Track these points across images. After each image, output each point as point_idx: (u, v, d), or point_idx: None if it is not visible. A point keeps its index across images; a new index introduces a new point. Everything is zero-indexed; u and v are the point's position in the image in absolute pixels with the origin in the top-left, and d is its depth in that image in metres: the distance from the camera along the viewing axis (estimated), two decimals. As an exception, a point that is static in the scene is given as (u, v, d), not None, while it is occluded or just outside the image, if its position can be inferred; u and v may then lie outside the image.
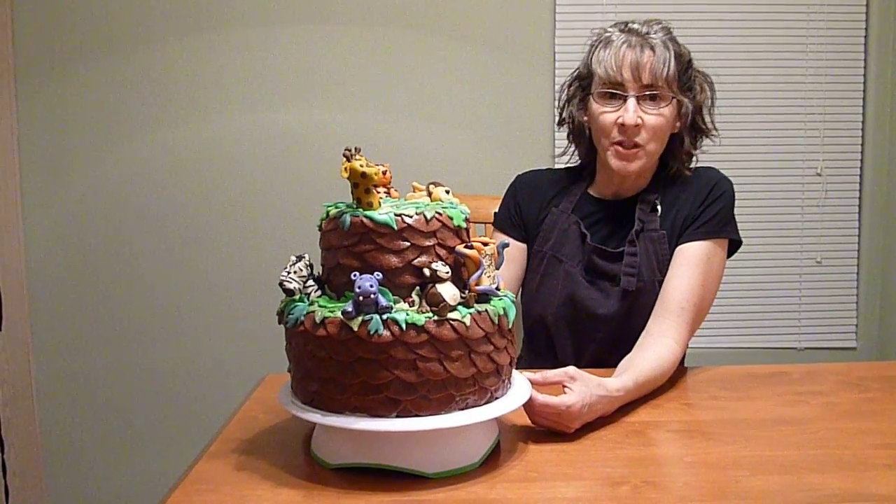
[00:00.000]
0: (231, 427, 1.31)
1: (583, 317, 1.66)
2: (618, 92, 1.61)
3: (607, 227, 1.70)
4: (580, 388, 1.24)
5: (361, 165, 1.09)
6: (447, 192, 1.18)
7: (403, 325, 1.04)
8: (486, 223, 2.03)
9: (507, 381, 1.17)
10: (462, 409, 1.09)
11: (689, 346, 1.61)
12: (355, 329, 1.04)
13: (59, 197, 2.63)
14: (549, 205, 1.76)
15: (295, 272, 1.12)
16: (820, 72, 2.68)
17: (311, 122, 2.62)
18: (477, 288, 1.10)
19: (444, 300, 1.06)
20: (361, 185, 1.10)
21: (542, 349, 1.71)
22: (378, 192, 1.15)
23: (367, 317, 1.04)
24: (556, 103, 1.80)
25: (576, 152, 1.78)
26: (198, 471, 1.14)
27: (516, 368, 1.23)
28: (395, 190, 1.24)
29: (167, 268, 2.65)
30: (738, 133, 2.67)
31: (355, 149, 1.16)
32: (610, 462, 1.17)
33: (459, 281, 1.11)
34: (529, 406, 1.22)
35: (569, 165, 1.84)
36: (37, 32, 2.56)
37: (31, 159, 2.60)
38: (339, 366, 1.07)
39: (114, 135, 2.61)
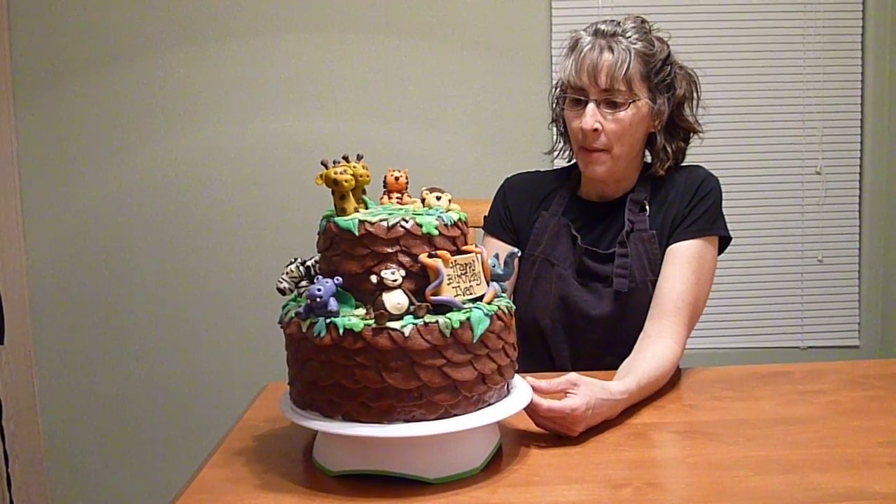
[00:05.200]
0: (232, 436, 1.31)
1: (577, 319, 1.66)
2: (580, 97, 1.62)
3: (597, 229, 1.70)
4: (584, 391, 1.24)
5: (336, 173, 1.12)
6: (437, 198, 1.17)
7: (341, 330, 1.04)
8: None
9: (497, 388, 1.13)
10: (407, 420, 1.06)
11: (691, 346, 1.61)
12: (304, 331, 1.08)
13: (60, 208, 2.63)
14: (539, 208, 1.76)
15: (287, 273, 1.16)
16: (818, 70, 2.68)
17: (310, 129, 2.62)
18: (433, 298, 1.07)
19: (384, 308, 1.05)
20: (336, 192, 1.13)
21: (537, 353, 1.71)
22: (392, 198, 1.19)
23: (315, 319, 1.07)
24: (550, 104, 1.80)
25: (565, 152, 1.79)
26: (200, 480, 1.14)
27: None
28: (409, 195, 1.24)
29: (168, 277, 2.66)
30: (737, 133, 2.67)
31: (357, 156, 1.19)
32: (612, 464, 1.16)
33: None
34: (534, 410, 1.21)
35: (556, 168, 1.84)
36: (35, 44, 2.57)
37: (30, 171, 2.61)
38: (302, 366, 1.11)
39: (113, 145, 2.62)
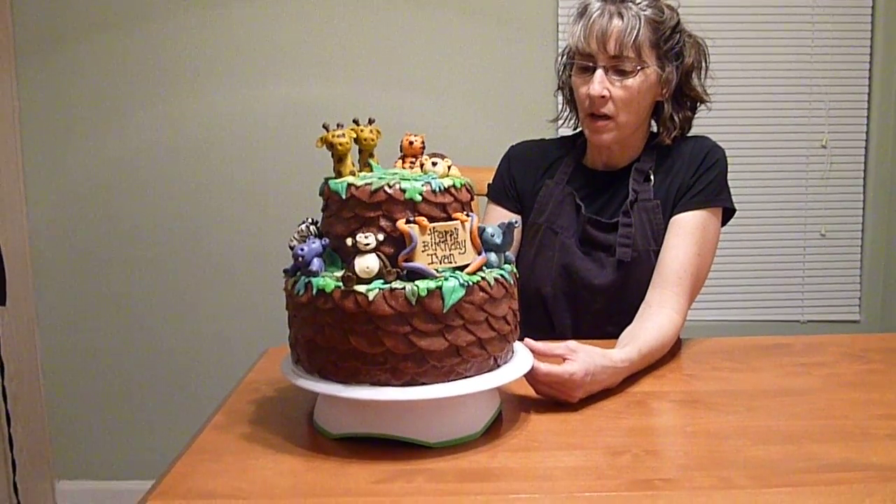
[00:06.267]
0: (234, 398, 1.32)
1: (579, 288, 1.66)
2: (588, 64, 1.60)
3: (602, 198, 1.70)
4: (582, 357, 1.25)
5: (333, 136, 1.13)
6: (434, 163, 1.16)
7: (315, 290, 1.07)
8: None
9: (477, 360, 1.10)
10: (372, 383, 1.06)
11: (692, 318, 1.61)
12: (288, 288, 1.13)
13: (62, 173, 2.63)
14: (544, 176, 1.75)
15: (297, 232, 1.17)
16: (826, 43, 2.65)
17: (314, 95, 2.61)
18: (404, 264, 1.06)
19: (353, 272, 1.05)
20: (334, 155, 1.15)
21: (539, 321, 1.71)
22: (406, 163, 1.20)
23: (298, 277, 1.11)
24: (557, 71, 1.79)
25: (571, 119, 1.78)
26: (201, 441, 1.15)
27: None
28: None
29: (170, 242, 2.66)
30: (742, 105, 2.66)
31: (368, 120, 1.20)
32: (611, 432, 1.17)
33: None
34: (532, 375, 1.21)
35: (562, 136, 1.83)
36: (36, 10, 2.55)
37: (32, 134, 2.60)
38: (290, 322, 1.16)
39: (116, 111, 2.61)
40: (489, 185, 1.83)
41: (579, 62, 1.63)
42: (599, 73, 1.58)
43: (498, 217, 1.73)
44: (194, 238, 2.66)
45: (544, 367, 1.22)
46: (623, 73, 1.58)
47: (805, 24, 2.64)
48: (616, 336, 1.47)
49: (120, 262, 2.66)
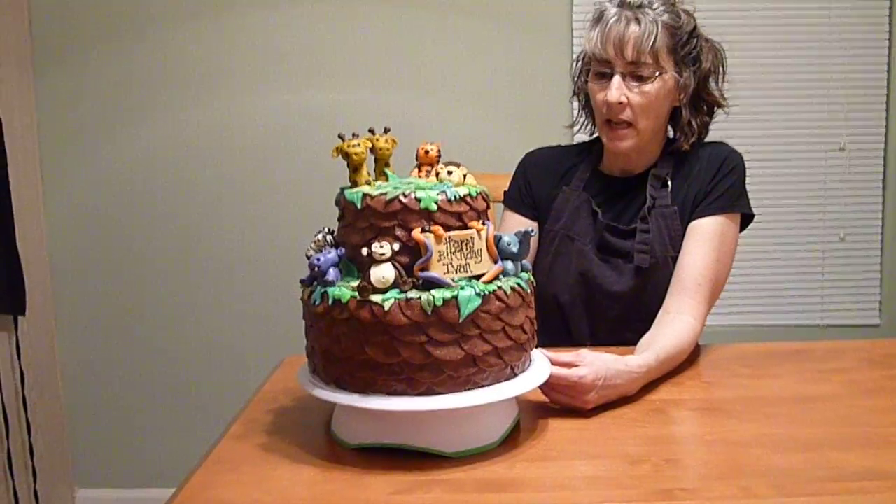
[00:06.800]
0: (251, 408, 1.32)
1: (596, 295, 1.65)
2: (606, 70, 1.60)
3: (619, 204, 1.69)
4: (592, 360, 1.24)
5: (348, 146, 1.14)
6: (449, 172, 1.16)
7: (331, 300, 1.07)
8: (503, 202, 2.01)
9: (494, 371, 1.09)
10: (388, 393, 1.06)
11: (709, 323, 1.60)
12: (305, 298, 1.14)
13: (80, 182, 2.64)
14: (560, 183, 1.75)
15: (315, 242, 1.18)
16: (843, 44, 2.63)
17: (328, 100, 2.61)
18: (420, 274, 1.06)
19: (368, 281, 1.05)
20: (350, 165, 1.15)
21: (556, 328, 1.70)
22: (422, 172, 1.19)
23: (314, 287, 1.11)
24: (572, 76, 1.78)
25: (587, 124, 1.77)
26: (219, 451, 1.15)
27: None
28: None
29: (188, 249, 2.67)
30: (759, 107, 2.64)
31: (384, 129, 1.20)
32: (630, 440, 1.16)
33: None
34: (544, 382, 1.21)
35: (578, 142, 1.83)
36: (53, 15, 2.57)
37: (50, 142, 2.62)
38: (307, 332, 1.16)
39: (132, 115, 2.62)
40: (505, 192, 1.82)
41: (596, 69, 1.62)
42: (617, 79, 1.58)
43: (514, 224, 1.72)
44: (213, 244, 2.67)
45: (554, 370, 1.21)
46: (641, 79, 1.58)
47: (822, 25, 2.62)
48: (634, 343, 1.46)
49: (138, 270, 2.67)
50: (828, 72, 2.65)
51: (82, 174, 2.64)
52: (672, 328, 1.46)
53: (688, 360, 1.48)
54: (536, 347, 1.24)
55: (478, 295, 1.06)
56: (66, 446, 2.71)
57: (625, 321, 1.63)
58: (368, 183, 1.16)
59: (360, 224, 1.11)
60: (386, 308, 1.03)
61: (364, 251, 1.06)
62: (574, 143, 1.85)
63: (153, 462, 2.74)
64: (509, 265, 1.14)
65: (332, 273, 1.10)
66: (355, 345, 1.06)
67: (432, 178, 1.19)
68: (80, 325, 2.69)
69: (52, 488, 2.60)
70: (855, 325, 2.75)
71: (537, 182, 1.76)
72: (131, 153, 2.63)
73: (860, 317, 2.76)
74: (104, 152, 2.63)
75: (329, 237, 1.19)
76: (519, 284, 1.13)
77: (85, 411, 2.72)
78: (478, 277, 1.10)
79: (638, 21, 1.55)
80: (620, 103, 1.58)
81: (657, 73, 1.57)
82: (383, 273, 1.05)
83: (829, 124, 2.67)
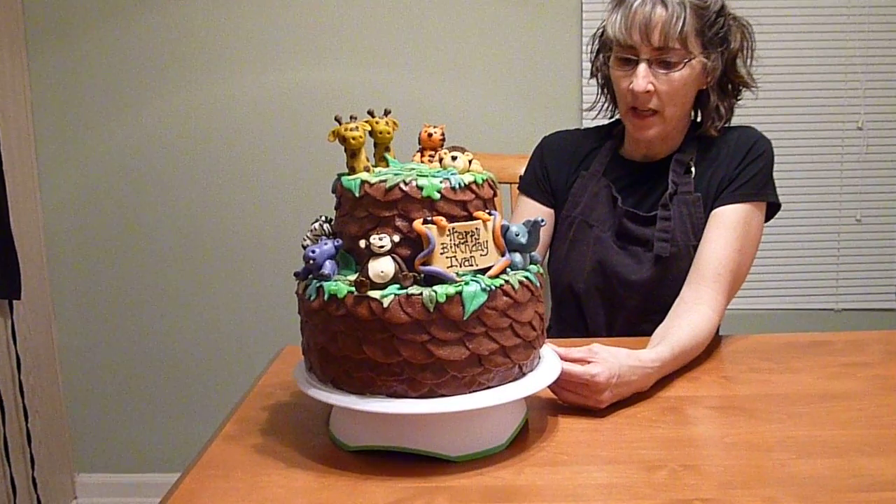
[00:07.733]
0: (246, 404, 1.26)
1: (614, 284, 1.58)
2: (630, 56, 1.51)
3: (639, 191, 1.61)
4: (606, 357, 1.17)
5: (346, 130, 1.06)
6: (454, 157, 1.07)
7: (327, 295, 1.00)
8: (511, 183, 1.94)
9: (500, 370, 1.03)
10: (388, 394, 1.00)
11: (723, 308, 1.53)
12: (300, 292, 1.07)
13: (75, 166, 2.58)
14: (579, 168, 1.67)
15: (311, 231, 1.12)
16: (861, 21, 2.54)
17: (331, 80, 2.53)
18: (421, 268, 0.99)
19: (366, 276, 0.98)
20: (347, 150, 1.08)
21: (571, 318, 1.64)
22: (425, 157, 1.13)
23: (309, 281, 1.05)
24: (589, 56, 1.70)
25: (607, 107, 1.69)
26: (210, 454, 1.09)
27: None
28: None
29: (186, 234, 2.61)
30: (775, 87, 2.55)
31: (385, 111, 1.13)
32: (645, 443, 1.10)
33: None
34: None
35: (597, 124, 1.75)
36: (46, 1, 2.49)
37: (45, 123, 2.55)
38: (303, 327, 1.10)
39: (128, 95, 2.55)
40: (521, 177, 1.75)
41: (619, 54, 1.53)
42: (643, 67, 1.49)
43: (529, 210, 1.66)
44: (211, 229, 2.61)
45: (565, 366, 1.14)
46: (668, 65, 1.49)
47: (840, 3, 2.53)
48: (652, 334, 1.39)
49: (135, 254, 2.62)
50: (844, 47, 2.56)
51: (79, 156, 2.58)
52: (688, 319, 1.39)
53: (704, 353, 1.41)
54: (548, 340, 1.17)
55: (483, 290, 0.99)
56: (66, 431, 2.68)
57: (643, 312, 1.56)
58: (367, 169, 1.09)
59: (357, 213, 1.04)
60: (385, 305, 0.97)
61: (362, 243, 0.99)
62: (583, 124, 1.76)
63: (153, 447, 2.71)
64: (517, 258, 1.07)
65: (328, 266, 1.03)
66: (353, 343, 1.00)
67: (435, 163, 1.12)
68: (78, 310, 2.65)
69: (51, 474, 2.56)
70: (871, 309, 2.69)
71: (555, 167, 1.69)
72: (128, 135, 2.57)
73: (876, 300, 2.69)
74: (101, 134, 2.57)
75: (326, 226, 1.13)
76: (527, 278, 1.05)
77: (83, 396, 2.69)
78: (483, 271, 1.03)
79: (664, 4, 1.47)
80: (648, 92, 1.50)
81: (686, 60, 1.49)
82: (382, 267, 0.98)
83: (846, 102, 2.59)
